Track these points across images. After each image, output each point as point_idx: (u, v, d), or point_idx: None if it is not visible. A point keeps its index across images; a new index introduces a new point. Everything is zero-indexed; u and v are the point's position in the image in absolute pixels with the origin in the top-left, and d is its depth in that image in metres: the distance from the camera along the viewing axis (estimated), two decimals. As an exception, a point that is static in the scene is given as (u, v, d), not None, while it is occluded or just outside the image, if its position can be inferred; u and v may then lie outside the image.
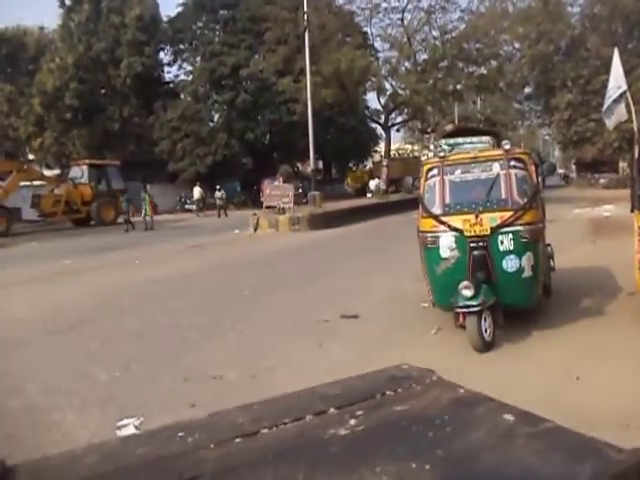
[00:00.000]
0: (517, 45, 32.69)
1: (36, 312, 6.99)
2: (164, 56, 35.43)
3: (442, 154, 5.49)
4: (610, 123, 7.50)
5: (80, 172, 23.07)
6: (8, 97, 31.74)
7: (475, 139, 19.44)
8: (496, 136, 21.83)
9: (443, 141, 20.82)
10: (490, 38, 27.07)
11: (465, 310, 4.63)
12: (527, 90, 35.76)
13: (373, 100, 35.74)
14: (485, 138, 18.89)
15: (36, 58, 33.18)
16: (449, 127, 23.35)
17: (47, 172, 29.12)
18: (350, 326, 5.72)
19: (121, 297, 7.76)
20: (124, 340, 5.67)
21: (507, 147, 5.08)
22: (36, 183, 23.64)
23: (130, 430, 3.60)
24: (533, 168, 5.14)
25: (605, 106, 7.20)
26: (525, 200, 4.84)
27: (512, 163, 4.99)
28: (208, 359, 4.92)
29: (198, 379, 4.46)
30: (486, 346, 4.64)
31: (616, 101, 6.87)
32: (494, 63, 28.07)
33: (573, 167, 44.78)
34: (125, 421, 3.72)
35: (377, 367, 4.14)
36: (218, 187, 26.22)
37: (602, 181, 31.23)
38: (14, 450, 3.43)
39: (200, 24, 34.50)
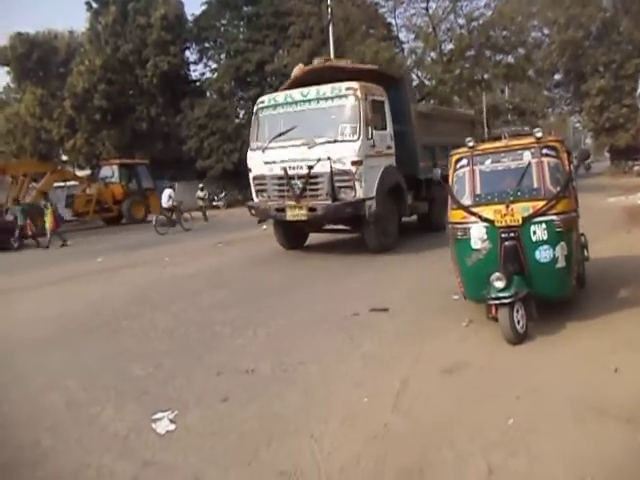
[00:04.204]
0: (546, 31, 32.01)
1: (71, 310, 7.18)
2: (190, 55, 35.84)
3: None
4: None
5: (111, 171, 23.53)
6: (40, 100, 32.54)
7: (327, 89, 9.41)
8: (384, 80, 10.18)
9: (266, 99, 10.08)
10: (518, 25, 26.46)
11: (497, 302, 4.57)
12: (557, 77, 35.03)
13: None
14: (346, 85, 9.18)
15: (67, 61, 33.94)
16: (298, 69, 11.49)
17: (79, 172, 29.78)
18: (380, 319, 5.70)
19: (152, 294, 7.90)
20: (157, 336, 5.78)
21: (539, 135, 4.97)
22: (70, 183, 24.23)
23: (165, 423, 3.67)
24: (565, 156, 5.01)
25: (639, 90, 6.99)
26: (558, 189, 4.74)
27: (544, 151, 4.88)
28: (240, 354, 4.97)
29: (230, 373, 4.51)
30: (519, 338, 4.57)
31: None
32: (522, 51, 27.46)
33: (607, 154, 43.63)
34: (160, 414, 3.79)
35: (407, 360, 4.15)
36: (201, 186, 23.37)
37: (636, 168, 30.30)
38: (56, 442, 3.54)
39: (224, 21, 34.71)
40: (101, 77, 30.52)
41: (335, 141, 8.99)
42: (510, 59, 27.26)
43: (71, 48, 35.31)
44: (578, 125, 53.40)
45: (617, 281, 6.13)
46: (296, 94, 9.78)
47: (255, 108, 10.39)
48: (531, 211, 4.68)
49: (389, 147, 9.87)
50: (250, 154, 10.18)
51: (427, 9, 26.49)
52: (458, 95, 27.37)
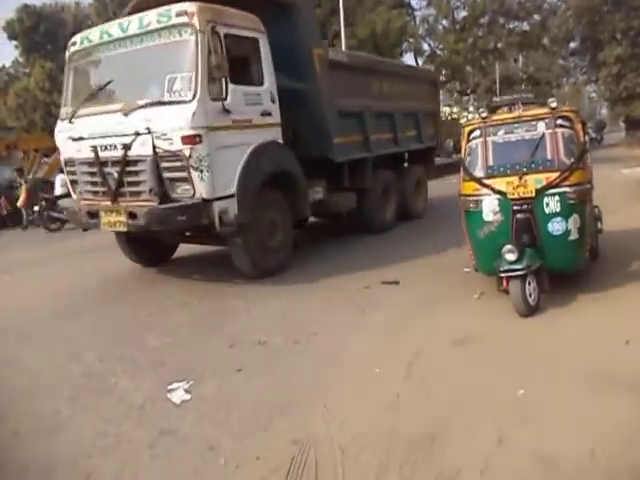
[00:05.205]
0: (562, -4, 31.07)
1: (86, 283, 7.27)
2: (198, 26, 35.27)
3: None
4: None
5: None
6: (49, 74, 32.41)
7: (152, 18, 5.83)
8: (267, 9, 6.59)
9: (78, 39, 6.76)
10: (533, -11, 25.80)
11: (509, 274, 4.57)
12: (572, 45, 34.07)
13: (410, 62, 34.85)
14: (177, 8, 5.66)
15: (74, 34, 33.57)
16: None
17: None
18: (391, 292, 5.73)
19: (165, 267, 7.97)
20: (171, 308, 5.85)
21: (554, 105, 4.88)
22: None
23: (181, 393, 3.76)
24: (580, 126, 4.93)
25: None
26: (572, 160, 4.68)
27: (558, 122, 4.80)
28: (252, 326, 5.04)
29: (243, 345, 4.58)
30: (530, 310, 4.58)
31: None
32: (537, 17, 26.80)
33: (622, 125, 42.78)
34: (175, 385, 3.87)
35: (419, 331, 4.17)
36: None
37: (653, 139, 29.70)
38: (75, 411, 3.64)
39: (232, -9, 34.08)
40: (109, 50, 30.28)
41: (160, 103, 5.61)
42: (525, 26, 26.68)
43: (78, 20, 35.00)
44: (593, 95, 52.32)
45: (630, 254, 6.08)
46: (114, 29, 6.21)
47: (66, 54, 6.98)
48: (544, 183, 4.64)
49: (266, 113, 6.36)
50: (58, 126, 6.73)
51: (440, -25, 25.88)
52: (471, 65, 26.88)
